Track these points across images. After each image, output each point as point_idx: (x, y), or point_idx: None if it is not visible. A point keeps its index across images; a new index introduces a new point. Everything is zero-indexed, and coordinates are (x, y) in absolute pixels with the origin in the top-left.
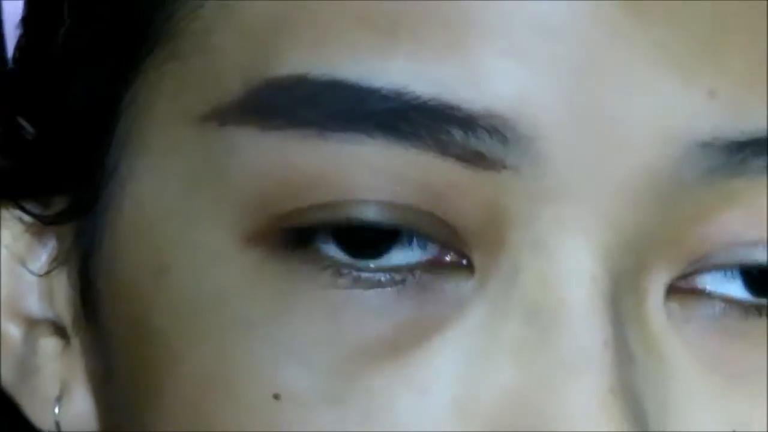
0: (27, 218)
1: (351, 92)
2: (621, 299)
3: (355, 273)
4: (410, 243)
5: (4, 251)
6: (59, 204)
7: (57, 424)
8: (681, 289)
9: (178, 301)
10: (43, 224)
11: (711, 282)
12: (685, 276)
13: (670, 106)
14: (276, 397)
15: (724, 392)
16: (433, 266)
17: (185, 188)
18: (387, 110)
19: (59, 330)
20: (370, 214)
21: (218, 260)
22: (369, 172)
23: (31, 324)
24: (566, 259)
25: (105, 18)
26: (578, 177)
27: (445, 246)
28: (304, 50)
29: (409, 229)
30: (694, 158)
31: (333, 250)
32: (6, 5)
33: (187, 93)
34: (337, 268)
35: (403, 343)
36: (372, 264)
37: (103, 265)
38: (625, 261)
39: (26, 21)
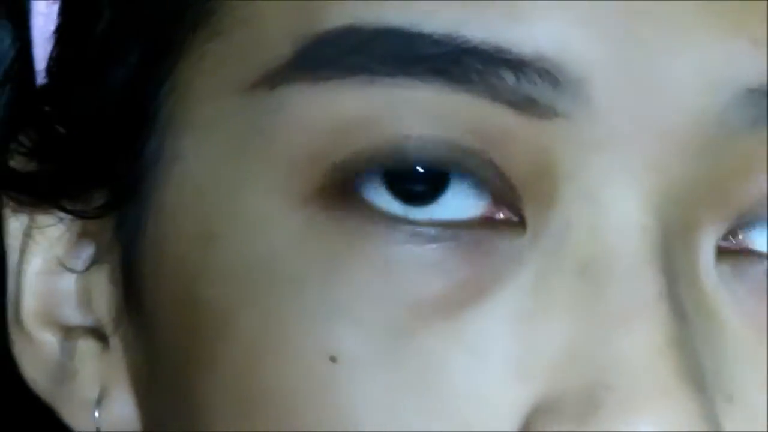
0: (66, 219)
1: (401, 38)
2: (673, 253)
3: (409, 227)
4: (462, 193)
5: (41, 260)
6: (99, 199)
7: (98, 429)
8: (731, 250)
9: (227, 267)
10: (85, 226)
11: (761, 242)
12: (732, 232)
13: (714, 53)
14: (333, 359)
15: None
16: (486, 222)
17: (232, 155)
18: (438, 54)
19: (97, 333)
20: (424, 152)
21: (267, 222)
22: (421, 116)
23: (68, 331)
24: (616, 210)
25: (142, 7)
26: (626, 124)
27: (498, 196)
28: (350, 1)
29: (462, 170)
30: (741, 105)
31: (386, 201)
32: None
33: (231, 65)
34: (391, 222)
35: (457, 302)
36: (426, 217)
37: (148, 249)
38: (674, 212)
39: (62, 28)
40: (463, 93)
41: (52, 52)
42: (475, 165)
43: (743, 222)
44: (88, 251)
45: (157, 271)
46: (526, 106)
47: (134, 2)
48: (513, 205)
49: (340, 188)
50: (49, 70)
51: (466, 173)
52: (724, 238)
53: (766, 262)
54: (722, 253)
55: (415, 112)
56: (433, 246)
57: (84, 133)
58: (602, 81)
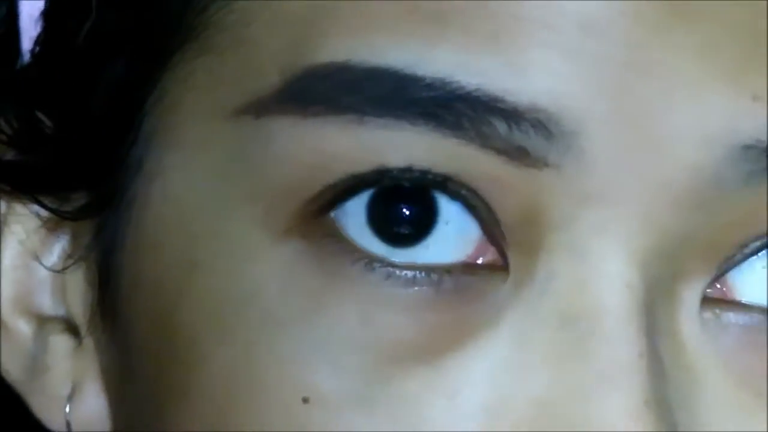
0: (43, 213)
1: (394, 79)
2: (656, 307)
3: (389, 268)
4: (447, 237)
5: (17, 246)
6: (78, 199)
7: (68, 424)
8: (716, 299)
9: (208, 297)
10: (61, 219)
11: (748, 293)
12: (718, 278)
13: (713, 108)
14: (305, 400)
15: (754, 408)
16: (469, 267)
17: (217, 182)
18: (430, 98)
19: (71, 328)
20: (408, 174)
21: (250, 255)
22: (407, 157)
23: (42, 321)
24: (602, 265)
25: (133, 12)
26: (619, 178)
27: (487, 230)
28: (346, 37)
29: (450, 193)
30: (736, 161)
31: (368, 240)
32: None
33: (221, 87)
34: (369, 261)
35: (437, 348)
36: (408, 260)
37: (127, 262)
38: (661, 267)
39: (48, 14)
40: (453, 138)
41: (38, 35)
42: (463, 192)
43: (726, 268)
44: (64, 245)
45: (135, 287)
46: (517, 155)
47: (122, 7)
48: (499, 246)
49: (320, 223)
50: (33, 52)
51: (454, 200)
52: (710, 285)
53: (751, 312)
54: (707, 301)
55: (403, 154)
56: (412, 290)
57: (65, 129)
58: (597, 134)
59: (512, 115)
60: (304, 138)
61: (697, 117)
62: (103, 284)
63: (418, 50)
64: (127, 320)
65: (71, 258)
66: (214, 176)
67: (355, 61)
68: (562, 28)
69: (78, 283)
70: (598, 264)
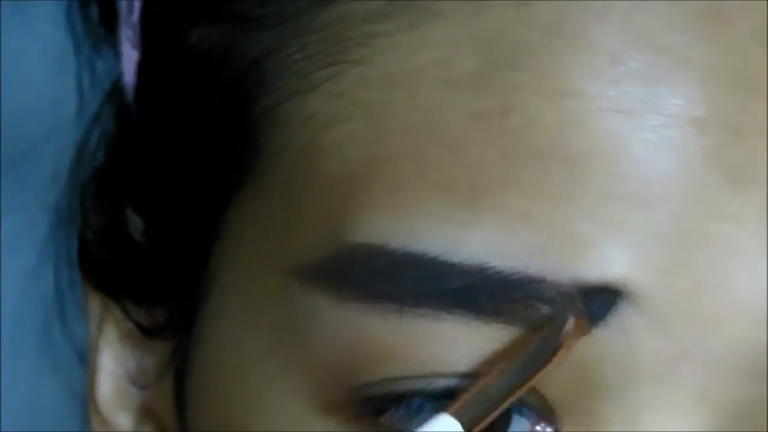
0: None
1: (430, 268)
2: None
3: None
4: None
5: (115, 344)
6: (159, 316)
7: None
8: None
9: None
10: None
11: None
12: None
13: None
14: None
15: None
16: None
17: (269, 343)
18: (467, 287)
19: None
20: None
21: (295, 426)
22: (449, 347)
23: (142, 414)
24: None
25: (190, 144)
26: (673, 354)
27: (536, 414)
28: (383, 215)
29: None
30: None
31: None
32: None
33: (271, 239)
34: None
35: None
36: None
37: (190, 401)
38: None
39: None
40: (493, 323)
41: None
42: None
43: None
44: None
45: (198, 422)
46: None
47: (181, 137)
48: (551, 422)
49: (367, 405)
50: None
51: None
52: None
53: None
54: None
55: (445, 344)
56: None
57: (146, 233)
58: (648, 312)
59: (554, 296)
60: (347, 322)
61: (750, 291)
62: (178, 406)
63: (454, 234)
64: None
65: (155, 375)
66: (265, 334)
67: (392, 246)
68: (604, 203)
69: (165, 395)
70: None
